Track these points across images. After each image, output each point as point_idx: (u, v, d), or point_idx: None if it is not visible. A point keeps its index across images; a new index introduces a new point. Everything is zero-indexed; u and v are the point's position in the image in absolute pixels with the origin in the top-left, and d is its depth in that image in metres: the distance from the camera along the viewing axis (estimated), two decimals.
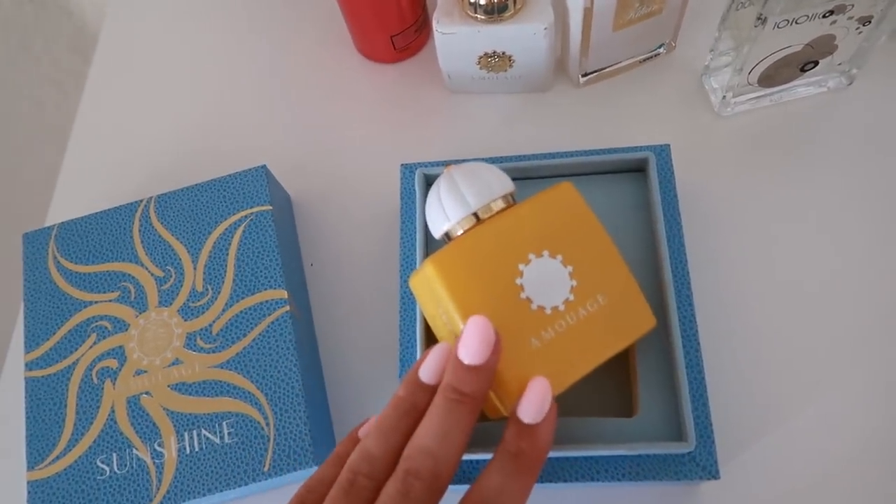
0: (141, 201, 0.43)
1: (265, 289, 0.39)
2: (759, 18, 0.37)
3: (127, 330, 0.39)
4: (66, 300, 0.41)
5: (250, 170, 0.43)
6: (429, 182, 0.41)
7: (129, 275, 0.41)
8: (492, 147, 0.46)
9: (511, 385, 0.29)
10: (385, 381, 0.41)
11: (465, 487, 0.25)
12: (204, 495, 0.36)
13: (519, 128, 0.47)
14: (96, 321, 0.40)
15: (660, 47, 0.47)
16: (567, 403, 0.33)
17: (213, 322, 0.39)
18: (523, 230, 0.31)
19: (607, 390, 0.36)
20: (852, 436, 0.36)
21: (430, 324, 0.32)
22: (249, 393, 0.37)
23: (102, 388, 0.38)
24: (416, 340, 0.37)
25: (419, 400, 0.27)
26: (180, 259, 0.41)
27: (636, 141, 0.44)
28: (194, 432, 0.37)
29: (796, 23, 0.37)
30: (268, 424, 0.36)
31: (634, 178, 0.40)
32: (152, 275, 0.41)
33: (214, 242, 0.41)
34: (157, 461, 0.36)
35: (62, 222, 0.43)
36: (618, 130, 0.46)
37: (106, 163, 0.51)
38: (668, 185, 0.39)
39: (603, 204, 0.38)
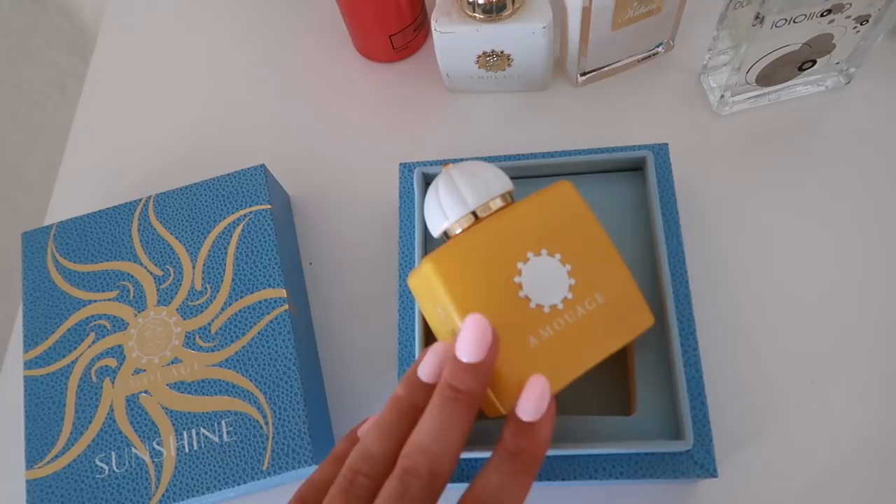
0: (140, 200, 0.43)
1: (264, 288, 0.39)
2: (756, 17, 0.37)
3: (126, 329, 0.39)
4: (65, 299, 0.41)
5: (249, 169, 0.43)
6: (427, 181, 0.41)
7: (128, 274, 0.41)
8: (490, 146, 0.46)
9: (509, 383, 0.29)
10: (384, 380, 0.41)
11: (464, 486, 0.25)
12: (203, 494, 0.36)
13: (517, 127, 0.47)
14: (95, 320, 0.40)
15: (658, 46, 0.47)
16: (565, 402, 0.33)
17: (212, 321, 0.39)
18: (522, 229, 0.31)
19: (605, 389, 0.36)
20: (850, 434, 0.36)
21: (429, 322, 0.32)
22: (248, 392, 0.37)
23: (101, 387, 0.38)
24: (414, 339, 0.37)
25: (418, 399, 0.27)
26: (179, 258, 0.41)
27: (634, 140, 0.44)
28: (193, 431, 0.37)
29: (794, 22, 0.37)
30: (266, 423, 0.36)
31: (632, 176, 0.40)
32: (151, 274, 0.41)
33: (213, 241, 0.41)
34: (155, 460, 0.36)
35: (61, 221, 0.43)
36: (616, 129, 0.46)
37: (105, 162, 0.51)
38: (666, 184, 0.39)
39: (601, 203, 0.38)
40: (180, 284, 0.40)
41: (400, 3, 0.46)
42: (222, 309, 0.39)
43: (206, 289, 0.40)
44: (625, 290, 0.32)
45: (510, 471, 0.25)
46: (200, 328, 0.39)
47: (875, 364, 0.38)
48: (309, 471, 0.36)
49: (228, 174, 0.43)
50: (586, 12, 0.41)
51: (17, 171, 0.80)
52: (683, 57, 0.47)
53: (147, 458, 0.37)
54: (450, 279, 0.29)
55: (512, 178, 0.34)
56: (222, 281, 0.40)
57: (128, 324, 0.40)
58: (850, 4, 0.37)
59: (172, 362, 0.38)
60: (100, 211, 0.43)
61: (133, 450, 0.37)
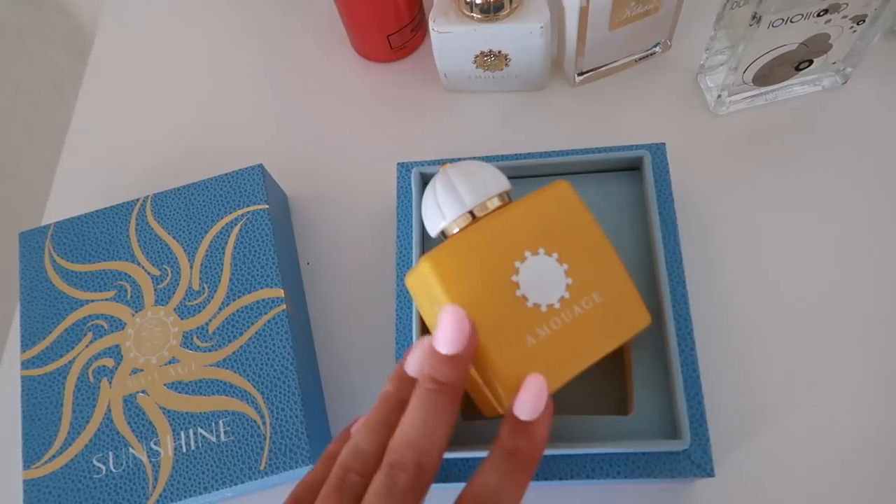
0: (137, 200, 0.43)
1: (261, 287, 0.39)
2: (753, 17, 0.37)
3: (123, 329, 0.39)
4: (63, 299, 0.41)
5: (247, 169, 0.43)
6: (425, 181, 0.41)
7: (126, 274, 0.41)
8: (488, 146, 0.46)
9: (507, 382, 0.29)
10: (381, 380, 0.40)
11: (461, 485, 0.25)
12: (200, 494, 0.36)
13: (515, 127, 0.47)
14: (92, 320, 0.40)
15: (655, 46, 0.47)
16: (562, 401, 0.33)
17: (210, 321, 0.39)
18: (519, 228, 0.31)
19: (602, 388, 0.36)
20: (847, 434, 0.36)
21: (427, 322, 0.32)
22: (246, 391, 0.37)
23: (99, 387, 0.38)
24: (412, 339, 0.37)
25: (406, 394, 0.27)
26: (177, 258, 0.41)
27: (632, 140, 0.44)
28: (190, 431, 0.37)
29: (791, 22, 0.37)
30: (264, 423, 0.36)
31: (630, 176, 0.40)
32: (149, 273, 0.41)
33: (211, 241, 0.41)
34: (153, 460, 0.36)
35: (58, 221, 0.43)
36: (613, 129, 0.46)
37: (102, 162, 0.51)
38: (663, 184, 0.39)
39: (598, 202, 0.38)
40: (178, 284, 0.40)
41: (398, 3, 0.46)
42: (220, 309, 0.39)
43: (203, 289, 0.40)
44: (622, 289, 0.32)
45: (507, 470, 0.25)
46: (198, 328, 0.39)
47: (872, 364, 0.38)
48: (306, 470, 0.36)
49: (226, 174, 0.43)
50: (583, 12, 0.41)
51: (15, 171, 0.80)
52: (680, 57, 0.47)
53: (144, 458, 0.37)
54: (447, 278, 0.29)
55: (509, 177, 0.34)
56: (220, 281, 0.40)
57: (125, 324, 0.40)
58: (847, 4, 0.37)
59: (170, 362, 0.38)
60: (97, 211, 0.43)
61: (130, 450, 0.37)
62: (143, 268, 0.41)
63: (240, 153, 0.49)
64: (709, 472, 0.33)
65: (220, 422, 0.37)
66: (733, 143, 0.44)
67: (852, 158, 0.43)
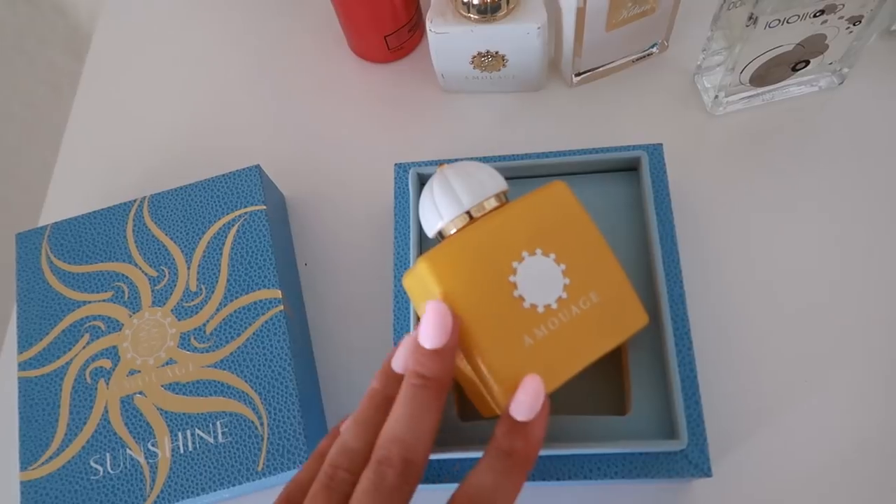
0: (135, 201, 0.43)
1: (259, 288, 0.39)
2: (750, 18, 0.37)
3: (120, 330, 0.39)
4: (60, 300, 0.41)
5: (244, 169, 0.43)
6: (422, 181, 0.41)
7: (123, 275, 0.41)
8: (485, 146, 0.46)
9: (504, 383, 0.29)
10: None
11: (456, 486, 0.26)
12: (198, 495, 0.36)
13: (512, 127, 0.47)
14: (90, 321, 0.40)
15: (652, 47, 0.47)
16: (560, 401, 0.33)
17: (207, 322, 0.39)
18: (516, 228, 0.31)
19: (600, 388, 0.36)
20: (845, 433, 0.36)
21: None
22: (243, 392, 0.37)
23: (96, 388, 0.38)
24: None
25: (392, 391, 0.27)
26: (174, 259, 0.41)
27: (629, 140, 0.45)
28: (188, 432, 0.37)
29: (787, 22, 0.37)
30: (262, 424, 0.36)
31: (627, 177, 0.40)
32: (146, 274, 0.41)
33: (208, 242, 0.41)
34: (150, 461, 0.36)
35: (55, 222, 0.43)
36: (610, 130, 0.46)
37: (99, 163, 0.51)
38: (660, 184, 0.39)
39: (596, 203, 0.39)
40: (175, 285, 0.40)
41: (395, 4, 0.46)
42: (217, 310, 0.39)
43: (200, 289, 0.40)
44: (619, 289, 0.32)
45: (503, 470, 0.25)
46: (195, 329, 0.39)
47: (869, 363, 0.38)
48: None
49: (223, 175, 0.43)
50: (581, 13, 0.41)
51: (12, 172, 0.79)
52: (678, 57, 0.47)
53: (142, 460, 0.36)
54: (444, 278, 0.29)
55: (507, 178, 0.34)
56: (217, 282, 0.40)
57: (122, 325, 0.39)
58: (843, 5, 0.37)
59: (167, 363, 0.38)
60: (94, 212, 0.43)
61: (128, 451, 0.37)
62: (140, 269, 0.41)
63: (237, 154, 0.49)
64: (706, 472, 0.33)
65: (218, 423, 0.37)
66: (730, 144, 0.44)
67: (849, 158, 0.43)
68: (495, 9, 0.41)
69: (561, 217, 0.32)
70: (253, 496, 0.38)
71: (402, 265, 0.39)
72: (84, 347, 0.39)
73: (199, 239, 0.41)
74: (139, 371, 0.38)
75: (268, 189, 0.43)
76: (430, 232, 0.33)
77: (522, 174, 0.40)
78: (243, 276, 0.40)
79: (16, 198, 0.78)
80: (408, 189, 0.41)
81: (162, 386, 0.38)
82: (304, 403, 0.37)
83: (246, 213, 0.41)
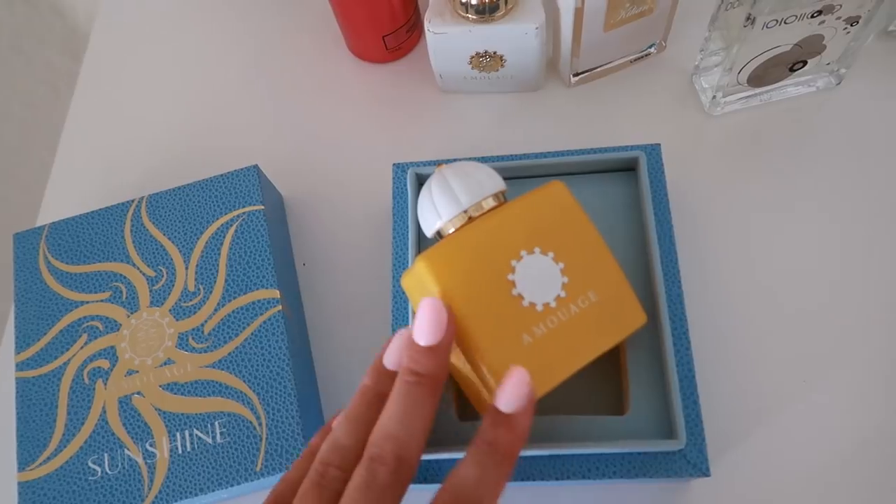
0: (132, 201, 0.43)
1: (257, 288, 0.39)
2: (748, 18, 0.37)
3: (118, 330, 0.39)
4: (58, 300, 0.40)
5: (242, 170, 0.43)
6: (421, 181, 0.41)
7: (121, 275, 0.41)
8: (483, 146, 0.46)
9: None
10: None
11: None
12: (196, 495, 0.35)
13: (510, 127, 0.47)
14: (87, 321, 0.40)
15: (650, 47, 0.47)
16: (558, 401, 0.33)
17: (205, 322, 0.39)
18: (515, 228, 0.31)
19: (598, 388, 0.36)
20: (843, 433, 0.37)
21: None
22: (241, 393, 0.37)
23: (94, 389, 0.38)
24: None
25: (385, 387, 0.27)
26: (172, 259, 0.41)
27: (627, 140, 0.45)
28: (186, 432, 0.37)
29: (785, 23, 0.38)
30: (260, 424, 0.36)
31: (625, 177, 0.40)
32: (144, 275, 0.41)
33: (206, 242, 0.41)
34: (148, 461, 0.36)
35: (53, 222, 0.43)
36: (609, 130, 0.46)
37: (97, 163, 0.51)
38: (658, 184, 0.39)
39: (594, 203, 0.39)
40: (173, 285, 0.40)
41: (393, 4, 0.46)
42: (215, 310, 0.39)
43: (199, 290, 0.40)
44: (618, 288, 0.32)
45: (487, 462, 0.25)
46: (193, 329, 0.39)
47: (868, 363, 0.38)
48: None
49: (221, 175, 0.43)
50: (579, 13, 0.41)
51: (10, 172, 0.79)
52: (675, 58, 0.48)
53: (140, 460, 0.36)
54: (443, 277, 0.29)
55: (505, 178, 0.34)
56: (215, 282, 0.40)
57: (120, 325, 0.39)
58: (841, 6, 0.37)
59: (165, 363, 0.38)
60: (92, 212, 0.43)
61: (126, 451, 0.37)
62: (138, 269, 0.41)
63: (235, 154, 0.49)
64: (704, 472, 0.33)
65: (216, 423, 0.37)
66: (728, 144, 0.44)
67: (846, 158, 0.43)
68: (493, 9, 0.41)
69: (559, 217, 0.32)
70: (251, 496, 0.38)
71: (400, 265, 0.39)
72: (82, 348, 0.39)
73: (198, 239, 0.41)
74: (137, 371, 0.38)
75: (266, 189, 0.43)
76: (429, 232, 0.33)
77: (521, 174, 0.40)
78: (241, 276, 0.40)
79: (13, 198, 0.78)
80: (406, 189, 0.41)
81: (160, 386, 0.38)
82: (302, 404, 0.37)
83: (244, 213, 0.41)
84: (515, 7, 0.42)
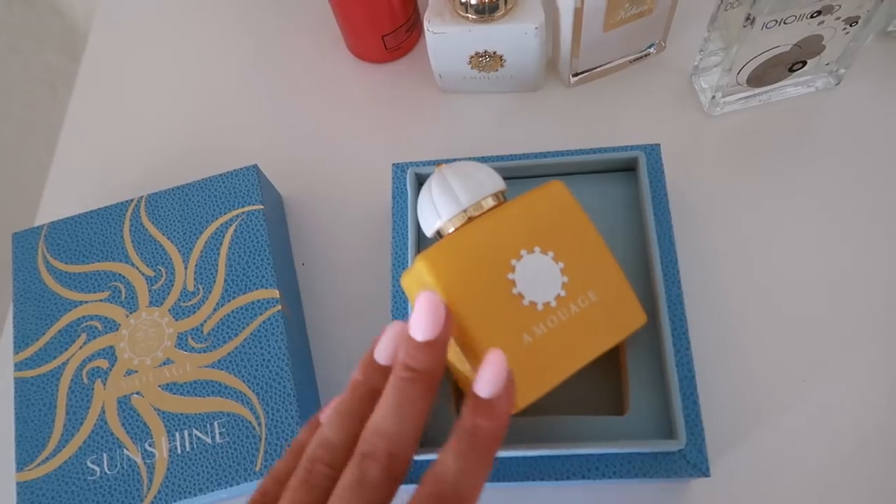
0: (131, 201, 0.43)
1: (256, 288, 0.39)
2: (747, 19, 0.37)
3: (117, 330, 0.39)
4: (56, 300, 0.40)
5: (241, 169, 0.43)
6: (420, 181, 0.41)
7: (120, 274, 0.41)
8: (483, 146, 0.46)
9: None
10: None
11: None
12: (195, 495, 0.35)
13: (510, 127, 0.47)
14: (86, 321, 0.40)
15: (650, 47, 0.47)
16: (558, 402, 0.33)
17: (205, 322, 0.39)
18: (514, 227, 0.31)
19: (598, 389, 0.36)
20: (842, 433, 0.37)
21: None
22: (241, 392, 0.37)
23: (93, 389, 0.38)
24: None
25: (376, 382, 0.26)
26: (171, 258, 0.41)
27: (626, 140, 0.45)
28: (185, 432, 0.37)
29: (784, 23, 0.38)
30: (259, 424, 0.36)
31: (625, 177, 0.40)
32: (143, 274, 0.40)
33: (205, 242, 0.41)
34: (147, 461, 0.36)
35: (52, 222, 0.43)
36: (608, 130, 0.46)
37: (96, 162, 0.51)
38: (658, 184, 0.39)
39: (594, 203, 0.39)
40: (172, 285, 0.40)
41: (392, 4, 0.46)
42: (215, 310, 0.39)
43: (198, 289, 0.40)
44: (618, 288, 0.32)
45: (467, 452, 0.24)
46: (193, 329, 0.39)
47: (868, 363, 0.38)
48: None
49: (220, 174, 0.43)
50: (578, 13, 0.41)
51: (8, 172, 0.79)
52: (675, 58, 0.48)
53: (139, 460, 0.36)
54: (443, 276, 0.29)
55: (504, 178, 0.34)
56: (214, 281, 0.40)
57: (119, 325, 0.39)
58: (840, 6, 0.37)
59: (164, 363, 0.38)
60: (91, 211, 0.43)
61: (125, 451, 0.37)
62: (137, 269, 0.41)
63: (234, 153, 0.49)
64: (704, 472, 0.33)
65: (215, 423, 0.37)
66: (727, 144, 0.45)
67: (845, 159, 0.43)
68: (493, 9, 0.41)
69: (559, 216, 0.32)
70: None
71: (399, 265, 0.39)
72: (81, 347, 0.39)
73: (197, 239, 0.41)
74: (136, 371, 0.38)
75: (265, 189, 0.43)
76: (429, 231, 0.33)
77: (520, 174, 0.40)
78: (241, 275, 0.40)
79: (12, 197, 0.78)
80: (406, 189, 0.41)
81: (159, 386, 0.38)
82: (301, 404, 0.37)
83: (243, 212, 0.41)
84: (515, 7, 0.42)
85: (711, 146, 0.45)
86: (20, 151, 0.80)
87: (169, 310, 0.39)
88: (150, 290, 0.40)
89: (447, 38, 0.43)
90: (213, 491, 0.35)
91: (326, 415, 0.28)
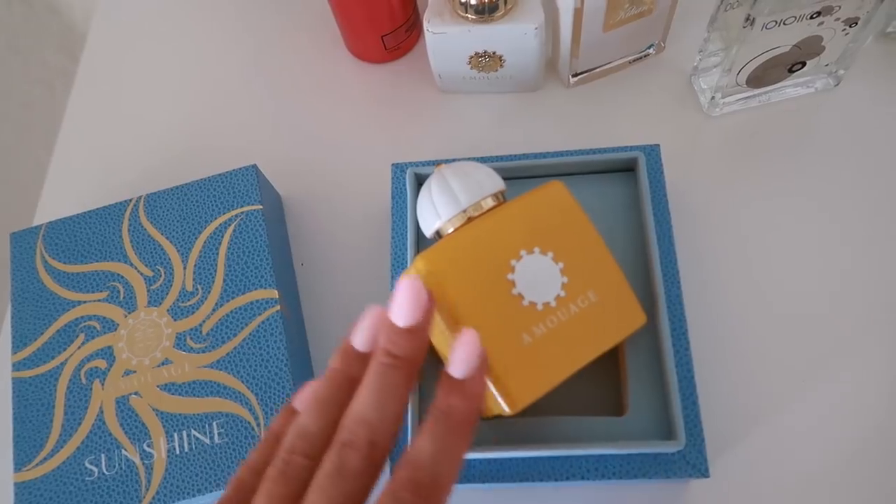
0: (130, 200, 0.42)
1: (255, 288, 0.39)
2: (747, 19, 0.37)
3: (116, 330, 0.39)
4: (55, 300, 0.40)
5: (240, 169, 0.42)
6: (420, 181, 0.41)
7: (118, 274, 0.41)
8: (482, 147, 0.46)
9: (503, 381, 0.29)
10: None
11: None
12: (193, 496, 0.35)
13: (509, 128, 0.47)
14: (85, 321, 0.40)
15: (649, 48, 0.47)
16: (557, 402, 0.33)
17: (203, 322, 0.39)
18: (514, 227, 0.31)
19: (597, 389, 0.36)
20: (842, 433, 0.37)
21: None
22: (239, 393, 0.37)
23: (91, 389, 0.38)
24: None
25: (355, 370, 0.26)
26: (170, 258, 0.41)
27: (626, 141, 0.45)
28: (184, 433, 0.37)
29: (784, 24, 0.38)
30: (258, 424, 0.36)
31: (624, 177, 0.40)
32: (141, 274, 0.40)
33: (204, 242, 0.41)
34: (146, 462, 0.36)
35: (50, 222, 0.43)
36: (608, 130, 0.46)
37: (95, 162, 0.50)
38: (657, 185, 0.39)
39: (593, 203, 0.39)
40: (171, 285, 0.40)
41: (392, 4, 0.46)
42: (213, 310, 0.39)
43: (197, 289, 0.40)
44: (617, 289, 0.32)
45: (443, 433, 0.24)
46: (191, 329, 0.39)
47: (867, 363, 0.38)
48: None
49: (219, 174, 0.42)
50: (578, 14, 0.41)
51: (6, 171, 0.79)
52: (674, 58, 0.48)
53: (137, 460, 0.36)
54: (443, 277, 0.29)
55: (504, 178, 0.34)
56: (213, 282, 0.40)
57: (118, 325, 0.39)
58: (840, 7, 0.37)
59: (163, 363, 0.38)
60: (89, 211, 0.42)
61: (123, 452, 0.37)
62: (135, 268, 0.41)
63: (233, 153, 0.49)
64: (704, 473, 0.33)
65: (214, 423, 0.37)
66: (727, 145, 0.45)
67: (845, 159, 0.43)
68: (493, 9, 0.41)
69: (558, 217, 0.32)
70: None
71: (399, 265, 0.39)
72: (79, 348, 0.39)
73: (196, 239, 0.41)
74: (135, 371, 0.38)
75: (264, 189, 0.43)
76: (428, 231, 0.33)
77: (520, 174, 0.40)
78: (240, 276, 0.40)
79: (10, 197, 0.78)
80: (405, 189, 0.41)
81: (157, 386, 0.38)
82: None
83: (242, 212, 0.41)
84: (515, 7, 0.42)
85: (711, 147, 0.45)
86: (18, 151, 0.80)
87: (167, 310, 0.39)
88: (148, 290, 0.40)
89: (447, 39, 0.43)
90: (211, 491, 0.35)
91: (303, 402, 0.27)
